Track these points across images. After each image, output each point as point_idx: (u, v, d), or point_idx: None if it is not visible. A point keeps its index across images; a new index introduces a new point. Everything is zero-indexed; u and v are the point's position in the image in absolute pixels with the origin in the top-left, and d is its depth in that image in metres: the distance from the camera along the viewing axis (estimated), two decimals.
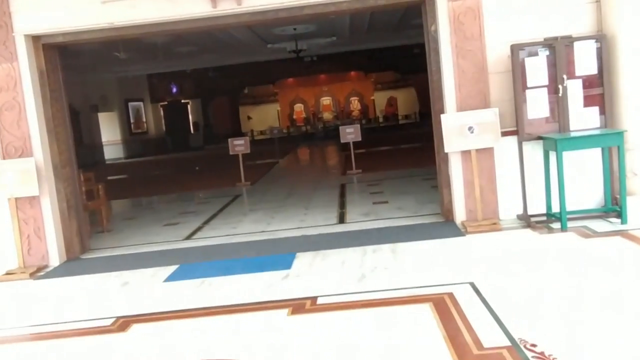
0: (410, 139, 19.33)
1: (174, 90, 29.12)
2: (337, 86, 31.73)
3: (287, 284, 4.55)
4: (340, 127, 11.44)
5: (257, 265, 5.20)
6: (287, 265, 5.05)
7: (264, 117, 31.51)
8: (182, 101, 29.14)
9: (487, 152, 5.77)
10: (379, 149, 16.20)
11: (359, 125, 11.38)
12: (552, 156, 5.42)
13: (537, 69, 5.46)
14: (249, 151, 11.38)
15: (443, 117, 5.66)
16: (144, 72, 26.40)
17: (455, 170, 5.86)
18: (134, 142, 27.54)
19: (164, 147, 28.41)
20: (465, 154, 5.78)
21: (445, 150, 5.70)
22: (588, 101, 5.47)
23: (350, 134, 11.29)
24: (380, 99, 31.89)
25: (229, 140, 11.45)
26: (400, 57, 27.85)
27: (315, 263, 5.05)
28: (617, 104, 5.41)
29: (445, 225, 5.89)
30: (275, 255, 5.47)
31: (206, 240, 6.47)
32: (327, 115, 31.36)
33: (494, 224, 5.60)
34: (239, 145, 11.35)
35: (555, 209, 5.48)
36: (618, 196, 5.45)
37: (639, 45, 5.26)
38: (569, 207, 5.51)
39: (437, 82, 5.96)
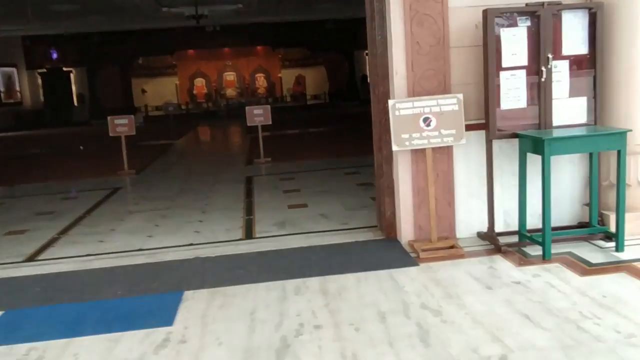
0: (322, 122, 17.95)
1: (54, 56, 25.64)
2: (242, 61, 29.65)
3: None
4: (247, 108, 9.71)
5: (121, 316, 3.47)
6: (168, 317, 3.37)
7: (160, 91, 28.78)
8: (64, 69, 25.76)
9: (444, 152, 4.39)
10: (289, 132, 14.63)
11: (269, 107, 9.71)
12: (532, 160, 4.14)
13: (515, 44, 4.12)
14: (134, 133, 9.35)
15: (391, 104, 4.18)
16: (17, 33, 22.82)
17: (404, 175, 4.43)
18: (5, 114, 23.93)
19: (41, 120, 24.99)
20: (418, 153, 4.36)
21: (394, 148, 4.23)
22: (575, 89, 4.23)
23: (259, 116, 9.60)
24: (287, 76, 30.25)
25: (109, 118, 9.34)
26: (311, 32, 26.29)
27: (210, 313, 3.41)
28: (610, 94, 4.20)
29: (388, 247, 4.45)
30: (153, 297, 3.76)
31: (56, 264, 4.58)
32: (230, 92, 29.26)
33: (453, 247, 4.25)
34: (121, 125, 9.28)
35: (531, 226, 4.23)
36: (605, 212, 4.29)
37: None
38: (537, 224, 4.29)
39: (382, 56, 4.46)
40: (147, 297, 3.75)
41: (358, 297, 3.50)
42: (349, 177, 7.63)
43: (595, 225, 4.25)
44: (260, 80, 30.15)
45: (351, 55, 27.14)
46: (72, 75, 25.87)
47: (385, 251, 4.35)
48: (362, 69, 27.19)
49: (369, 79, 4.80)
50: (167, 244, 4.95)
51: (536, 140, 3.93)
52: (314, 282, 3.79)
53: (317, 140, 12.81)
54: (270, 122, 9.67)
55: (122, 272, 4.29)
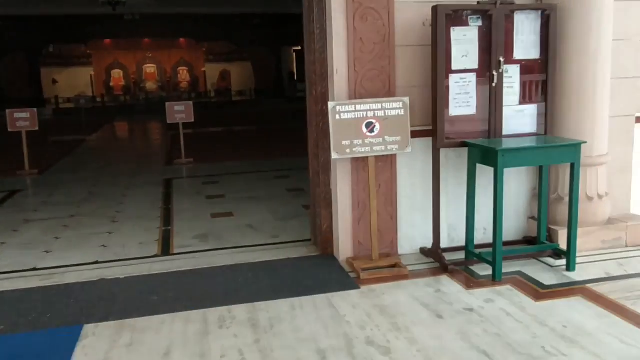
0: (248, 120, 17.31)
1: None
2: (164, 53, 28.40)
3: None
4: (168, 104, 8.95)
5: None
6: None
7: (73, 82, 27.00)
8: None
9: (387, 161, 3.98)
10: (213, 130, 13.91)
11: (191, 103, 8.99)
12: (480, 171, 3.82)
13: (466, 45, 3.77)
14: (36, 128, 8.35)
15: (331, 107, 3.71)
16: None
17: (342, 185, 3.98)
18: None
19: None
20: (359, 162, 3.93)
21: (333, 156, 3.77)
22: (526, 96, 3.95)
23: (180, 112, 8.87)
24: (212, 71, 29.31)
25: (8, 112, 8.29)
26: (237, 26, 25.49)
27: (114, 356, 2.80)
28: (561, 102, 3.96)
29: (324, 265, 3.99)
30: (43, 333, 3.09)
31: None
32: (150, 85, 27.93)
33: (396, 265, 3.85)
34: (22, 120, 8.26)
35: (476, 241, 3.92)
36: (554, 227, 4.05)
37: (600, 18, 3.83)
38: (483, 239, 4.01)
39: (321, 52, 3.99)
40: (35, 335, 3.08)
41: (293, 331, 3.01)
42: (279, 181, 7.12)
43: (544, 241, 3.99)
44: (183, 74, 29.02)
45: (278, 51, 26.60)
46: None
47: (321, 270, 3.88)
48: (289, 66, 26.74)
49: (306, 77, 4.32)
50: (67, 261, 4.23)
51: (488, 150, 3.60)
52: (241, 311, 3.26)
53: (244, 140, 12.19)
54: (193, 120, 8.97)
55: (8, 299, 3.56)
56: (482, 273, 3.72)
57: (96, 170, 8.50)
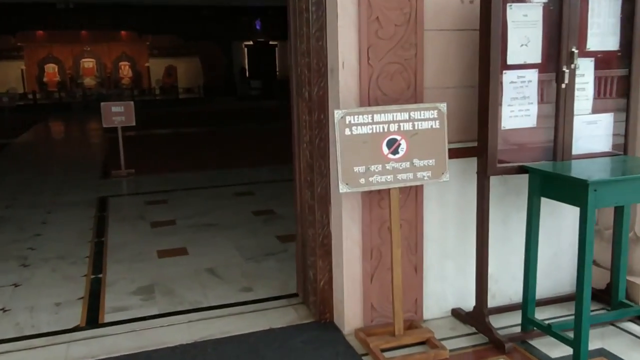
0: (197, 121, 15.83)
1: None
2: (103, 46, 26.27)
3: None
4: (103, 105, 7.47)
5: None
6: None
7: (3, 77, 24.56)
8: None
9: (411, 192, 2.83)
10: (158, 132, 12.41)
11: (132, 103, 7.55)
12: (549, 207, 2.73)
13: (526, 29, 2.66)
14: None
15: (338, 117, 2.51)
16: None
17: (350, 227, 2.79)
18: None
19: None
20: (372, 194, 2.76)
21: (341, 190, 2.57)
22: (599, 101, 2.88)
23: (119, 114, 7.42)
24: (156, 66, 27.38)
25: None
26: (184, 19, 23.82)
27: None
28: None
29: (325, 341, 2.79)
30: None
31: None
32: (89, 81, 25.77)
33: (428, 341, 2.71)
34: None
35: (519, 296, 2.82)
36: (633, 280, 3.01)
37: None
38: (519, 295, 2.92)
39: (318, 38, 2.79)
40: None
41: None
42: (241, 200, 5.86)
43: (624, 300, 2.94)
44: (125, 70, 26.97)
45: (229, 46, 25.07)
46: None
47: (322, 352, 2.69)
48: (241, 61, 25.31)
49: (292, 74, 3.09)
50: None
51: (568, 182, 2.49)
52: None
53: (194, 145, 10.79)
54: (134, 123, 7.55)
55: None
56: (553, 354, 2.62)
57: (14, 185, 6.97)
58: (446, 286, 3.00)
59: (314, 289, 3.01)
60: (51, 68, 25.55)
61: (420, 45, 2.73)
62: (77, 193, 6.41)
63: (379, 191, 2.73)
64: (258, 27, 25.20)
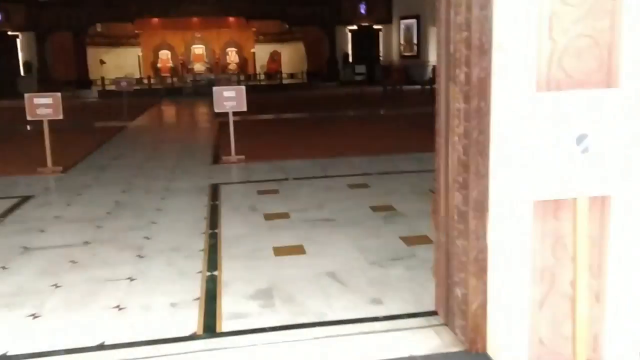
0: (303, 106, 15.66)
1: None
2: (213, 33, 27.02)
3: None
4: (215, 89, 7.36)
5: None
6: None
7: (121, 63, 26.01)
8: (10, 33, 22.69)
9: (596, 203, 2.25)
10: (264, 117, 12.31)
11: (243, 88, 7.38)
12: None
13: None
14: (60, 116, 6.94)
15: (512, 105, 1.99)
16: None
17: (515, 242, 2.27)
18: None
19: None
20: (547, 203, 2.22)
21: (529, 197, 2.05)
22: None
23: (230, 99, 7.28)
24: (261, 52, 27.77)
25: (27, 96, 6.90)
26: (290, 4, 23.81)
27: None
28: None
29: None
30: None
31: None
32: (198, 67, 26.63)
33: None
34: (43, 106, 6.86)
35: None
36: None
37: None
38: None
39: (484, 7, 2.27)
40: None
41: None
42: (357, 193, 5.46)
43: None
44: (232, 56, 27.58)
45: (332, 31, 24.75)
46: (18, 41, 22.80)
47: None
48: (344, 46, 24.92)
49: (438, 53, 2.61)
50: (56, 340, 2.70)
51: None
52: None
53: (300, 131, 10.56)
54: (245, 109, 7.38)
55: None
56: None
57: (130, 169, 7.05)
58: (637, 320, 2.40)
59: (463, 312, 2.53)
60: (165, 54, 26.67)
61: (619, 12, 2.13)
62: (189, 179, 6.31)
63: (554, 203, 2.18)
64: (362, 12, 24.64)
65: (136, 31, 26.12)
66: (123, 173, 6.77)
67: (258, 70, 27.42)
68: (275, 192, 5.62)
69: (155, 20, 25.38)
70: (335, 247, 3.91)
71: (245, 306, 3.02)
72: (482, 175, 2.38)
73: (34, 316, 2.97)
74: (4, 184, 6.27)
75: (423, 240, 3.99)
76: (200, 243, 4.09)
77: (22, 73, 22.85)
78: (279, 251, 3.87)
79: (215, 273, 3.50)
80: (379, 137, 9.27)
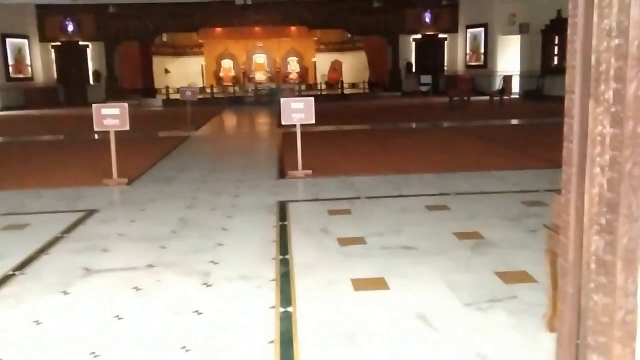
0: (364, 117, 15.27)
1: (70, 28, 23.40)
2: (274, 42, 27.09)
3: None
4: (283, 101, 7.07)
5: None
6: None
7: (185, 72, 26.50)
8: (81, 43, 23.49)
9: None
10: (327, 128, 11.97)
11: (312, 100, 7.05)
12: None
13: None
14: (127, 128, 6.82)
15: None
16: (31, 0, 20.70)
17: None
18: (13, 90, 21.87)
19: (53, 99, 22.91)
20: None
21: None
22: None
23: (298, 111, 6.97)
24: (322, 61, 27.60)
25: (94, 107, 6.82)
26: (353, 13, 23.53)
27: None
28: None
29: None
30: None
31: None
32: (260, 76, 26.73)
33: None
34: (110, 117, 6.76)
35: None
36: None
37: None
38: None
39: None
40: None
41: None
42: (436, 216, 4.99)
43: None
44: (293, 65, 27.53)
45: (396, 40, 24.25)
46: (88, 51, 23.58)
47: None
48: (407, 56, 24.37)
49: (577, 64, 2.14)
50: None
51: None
52: None
53: (367, 143, 10.14)
54: (314, 121, 7.05)
55: None
56: None
57: (195, 182, 6.84)
58: None
59: None
60: (227, 64, 26.94)
61: None
62: (256, 195, 6.02)
63: None
64: (428, 20, 24.05)
65: (200, 41, 26.51)
66: (188, 187, 6.56)
67: (319, 79, 27.26)
68: (347, 212, 5.23)
69: (219, 30, 25.67)
70: (421, 283, 3.47)
71: (326, 355, 2.63)
72: (636, 220, 1.90)
73: (94, 355, 2.69)
74: (71, 196, 6.18)
75: (523, 277, 3.49)
76: (271, 271, 3.74)
77: (91, 82, 23.60)
78: (359, 285, 3.46)
79: (290, 310, 3.13)
80: (452, 151, 8.74)
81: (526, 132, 11.49)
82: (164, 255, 4.12)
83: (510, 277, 3.50)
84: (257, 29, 25.52)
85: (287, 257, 4.02)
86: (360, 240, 4.35)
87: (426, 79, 19.57)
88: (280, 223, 4.92)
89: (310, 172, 6.97)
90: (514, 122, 13.44)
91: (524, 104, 18.03)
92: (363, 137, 11.16)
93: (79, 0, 19.88)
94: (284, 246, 4.27)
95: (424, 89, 19.43)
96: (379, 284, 3.48)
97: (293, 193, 6.21)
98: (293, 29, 26.11)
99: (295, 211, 5.33)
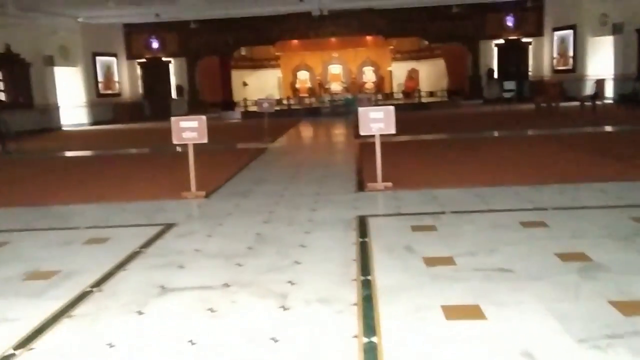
0: (446, 125, 14.73)
1: (154, 45, 24.39)
2: (350, 52, 26.99)
3: None
4: (361, 110, 6.79)
5: None
6: None
7: (262, 85, 26.92)
8: (164, 59, 24.43)
9: None
10: (403, 138, 11.54)
11: (392, 108, 6.72)
12: None
13: None
14: (205, 140, 6.79)
15: None
16: (119, 19, 21.77)
17: None
18: (102, 105, 23.04)
19: (139, 113, 23.93)
20: None
21: None
22: None
23: (377, 121, 6.67)
24: (398, 70, 27.18)
25: (173, 120, 6.85)
26: (431, 20, 22.97)
27: None
28: None
29: None
30: None
31: None
32: (335, 87, 26.68)
33: None
34: (189, 130, 6.76)
35: None
36: None
37: None
38: None
39: None
40: None
41: None
42: (532, 233, 4.52)
43: None
44: (369, 74, 27.28)
45: (476, 46, 23.43)
46: (171, 66, 24.48)
47: None
48: (488, 62, 23.48)
49: None
50: None
51: None
52: None
53: (448, 153, 9.67)
54: (394, 131, 6.73)
55: None
56: None
57: (272, 195, 6.69)
58: None
59: None
60: (303, 75, 27.10)
61: None
62: (334, 209, 5.77)
63: None
64: (510, 24, 23.07)
65: (276, 53, 26.85)
66: (264, 200, 6.42)
67: (395, 88, 26.84)
68: (432, 228, 4.85)
69: (295, 41, 25.88)
70: (522, 312, 3.06)
71: None
72: None
73: None
74: (150, 208, 6.20)
75: None
76: (352, 293, 3.45)
77: (174, 96, 24.44)
78: (451, 312, 3.11)
79: (374, 340, 2.83)
80: (543, 161, 8.12)
81: (624, 139, 10.56)
82: (240, 274, 3.93)
83: (630, 308, 3.01)
84: (333, 39, 25.49)
85: (369, 277, 3.72)
86: (448, 260, 3.98)
87: (510, 84, 18.67)
88: (361, 239, 4.63)
89: (390, 184, 6.64)
90: (609, 128, 12.44)
91: (618, 109, 16.78)
92: (444, 146, 10.68)
93: (162, 18, 20.64)
94: (365, 265, 3.97)
95: (508, 95, 18.54)
96: (474, 312, 3.10)
97: (373, 207, 5.90)
98: (368, 38, 25.88)
99: (375, 226, 5.02)
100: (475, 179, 6.99)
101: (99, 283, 3.86)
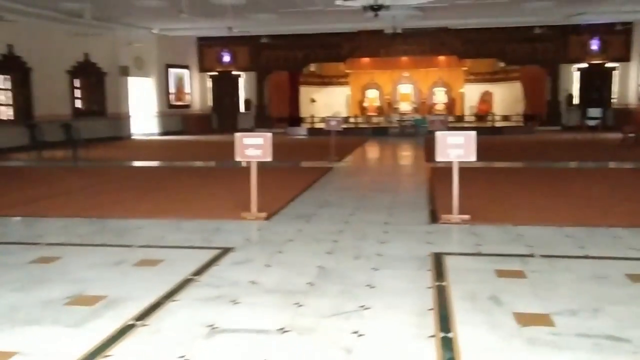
0: (523, 153, 13.80)
1: (226, 59, 24.63)
2: (421, 72, 26.29)
3: None
4: (439, 134, 6.19)
5: None
6: None
7: (330, 102, 26.68)
8: (234, 73, 24.63)
9: None
10: (479, 164, 10.77)
11: (474, 134, 6.11)
12: None
13: None
14: (269, 159, 6.41)
15: None
16: (193, 32, 22.12)
17: None
18: (173, 116, 23.43)
19: (207, 125, 24.20)
20: None
21: None
22: None
23: (457, 147, 6.06)
24: (471, 92, 26.20)
25: (236, 136, 6.50)
26: (509, 41, 22.01)
27: None
28: None
29: None
30: None
31: None
32: (404, 107, 26.02)
33: None
34: (253, 147, 6.40)
35: None
36: None
37: None
38: None
39: None
40: None
41: None
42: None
43: None
44: (439, 95, 26.46)
45: (556, 70, 22.22)
46: (240, 80, 24.65)
47: None
48: (567, 87, 22.21)
49: None
50: None
51: None
52: None
53: (530, 184, 8.87)
54: (475, 158, 6.10)
55: None
56: None
57: (336, 221, 6.20)
58: None
59: None
60: (372, 93, 26.64)
61: None
62: (405, 242, 5.21)
63: None
64: (595, 47, 21.74)
65: (346, 71, 26.54)
66: (328, 226, 5.94)
67: (466, 111, 25.89)
68: (521, 275, 4.20)
69: (365, 59, 25.50)
70: None
71: None
72: None
73: None
74: (208, 229, 5.85)
75: None
76: (430, 355, 2.89)
77: (242, 110, 24.57)
78: None
79: None
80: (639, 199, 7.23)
81: None
82: (299, 316, 3.45)
83: None
84: (404, 58, 24.93)
85: (450, 335, 3.14)
86: (545, 320, 3.33)
87: (595, 112, 17.47)
88: (437, 283, 4.05)
89: (467, 217, 6.00)
90: None
91: None
92: (524, 176, 9.87)
93: (234, 32, 20.80)
94: (444, 318, 3.39)
95: (592, 123, 17.33)
96: None
97: (448, 243, 5.30)
98: (441, 58, 25.14)
99: (454, 267, 4.42)
100: (565, 217, 6.23)
101: (143, 315, 3.48)
